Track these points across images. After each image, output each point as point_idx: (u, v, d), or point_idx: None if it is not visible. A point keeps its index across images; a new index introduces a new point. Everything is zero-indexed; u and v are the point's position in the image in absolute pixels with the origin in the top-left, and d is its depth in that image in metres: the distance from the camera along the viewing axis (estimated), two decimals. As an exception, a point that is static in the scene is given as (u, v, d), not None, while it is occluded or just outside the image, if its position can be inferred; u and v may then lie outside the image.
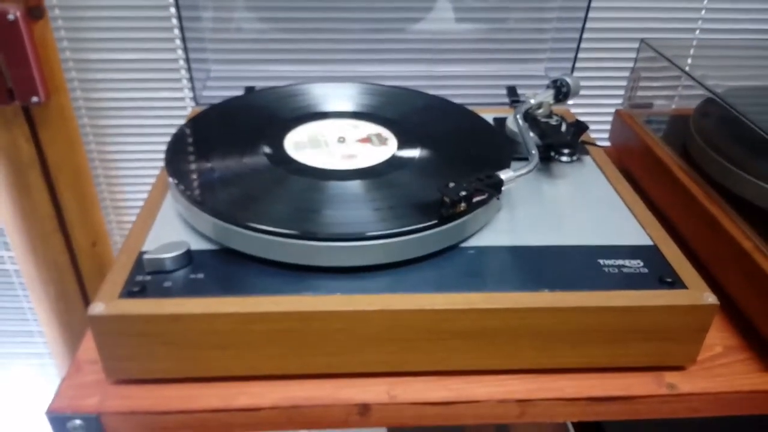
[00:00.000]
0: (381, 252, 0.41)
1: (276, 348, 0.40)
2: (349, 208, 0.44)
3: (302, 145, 0.51)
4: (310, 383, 0.41)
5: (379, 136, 0.53)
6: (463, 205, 0.41)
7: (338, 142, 0.51)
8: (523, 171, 0.45)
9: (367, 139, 0.52)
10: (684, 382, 0.43)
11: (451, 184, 0.42)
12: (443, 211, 0.41)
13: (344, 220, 0.42)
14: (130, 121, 0.79)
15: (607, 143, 0.70)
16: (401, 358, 0.41)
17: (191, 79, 0.63)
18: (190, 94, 0.76)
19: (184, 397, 0.41)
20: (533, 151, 0.47)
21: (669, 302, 0.40)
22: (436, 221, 0.41)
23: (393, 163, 0.49)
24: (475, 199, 0.42)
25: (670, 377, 0.43)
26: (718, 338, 0.47)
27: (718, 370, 0.44)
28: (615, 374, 0.43)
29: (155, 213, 0.47)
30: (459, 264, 0.43)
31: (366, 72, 0.73)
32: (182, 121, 0.56)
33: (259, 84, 0.68)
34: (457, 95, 0.71)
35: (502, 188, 0.44)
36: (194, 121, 0.54)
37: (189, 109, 0.78)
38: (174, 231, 0.45)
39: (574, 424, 0.58)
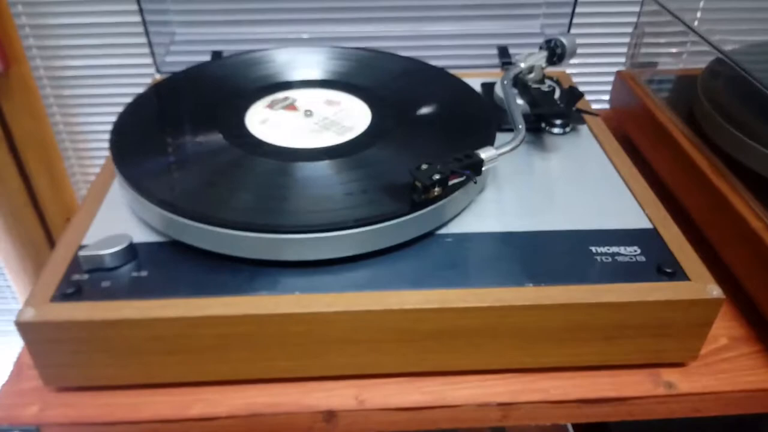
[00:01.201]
0: (343, 244, 0.36)
1: (230, 352, 0.36)
2: (309, 195, 0.39)
3: (265, 120, 0.46)
4: (271, 388, 0.38)
5: (350, 108, 0.48)
6: (437, 189, 0.37)
7: (305, 116, 0.46)
8: (507, 148, 0.40)
9: (336, 112, 0.47)
10: (683, 380, 0.39)
11: (424, 166, 0.37)
12: (415, 197, 0.37)
13: (303, 209, 0.38)
14: (96, 91, 0.74)
15: (607, 106, 0.65)
16: (369, 361, 0.37)
17: (150, 44, 0.57)
18: (157, 61, 0.70)
19: (132, 406, 0.37)
20: (520, 125, 0.42)
21: (668, 297, 0.36)
22: (406, 209, 0.37)
23: (364, 139, 0.45)
24: (451, 182, 0.37)
25: (668, 375, 0.39)
26: (724, 328, 0.42)
27: (722, 366, 0.40)
28: (606, 372, 0.39)
29: (100, 201, 0.42)
30: (434, 255, 0.38)
31: (346, 33, 0.67)
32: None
33: (228, 48, 0.62)
34: (445, 57, 0.65)
35: (483, 169, 0.39)
36: (144, 96, 0.49)
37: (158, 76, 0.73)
38: (121, 222, 0.41)
39: (574, 424, 0.54)
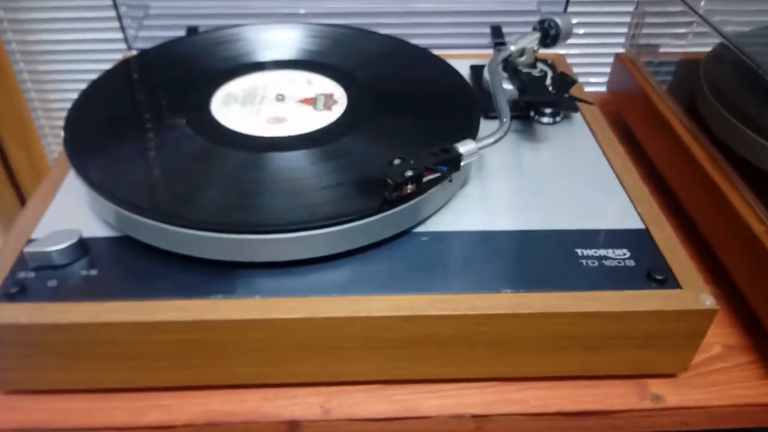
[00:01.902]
0: (306, 246, 0.34)
1: (185, 359, 0.34)
2: (270, 191, 0.36)
3: (232, 106, 0.43)
4: (232, 394, 0.36)
5: (324, 93, 0.45)
6: (410, 186, 0.34)
7: (276, 101, 0.43)
8: (488, 141, 0.37)
9: (310, 99, 0.44)
10: (672, 392, 0.36)
11: (396, 161, 0.34)
12: (386, 195, 0.34)
13: (264, 206, 0.35)
14: (72, 66, 0.71)
15: (605, 90, 0.62)
16: (335, 369, 0.35)
17: (119, 18, 0.53)
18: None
19: (85, 411, 0.35)
20: (504, 116, 0.39)
21: (657, 306, 0.33)
22: (376, 207, 0.34)
23: (336, 128, 0.41)
24: (426, 178, 0.35)
25: (656, 386, 0.37)
26: (718, 336, 0.40)
27: (715, 377, 0.37)
28: (589, 383, 0.36)
29: (56, 190, 0.40)
30: (408, 255, 0.36)
31: (328, 8, 0.63)
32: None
33: (209, 23, 0.59)
34: (433, 35, 0.62)
35: (462, 164, 0.36)
36: (104, 78, 0.46)
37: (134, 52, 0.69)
38: (75, 215, 0.38)
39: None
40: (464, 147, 0.36)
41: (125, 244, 0.36)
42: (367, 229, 0.34)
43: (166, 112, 0.42)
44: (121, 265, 0.35)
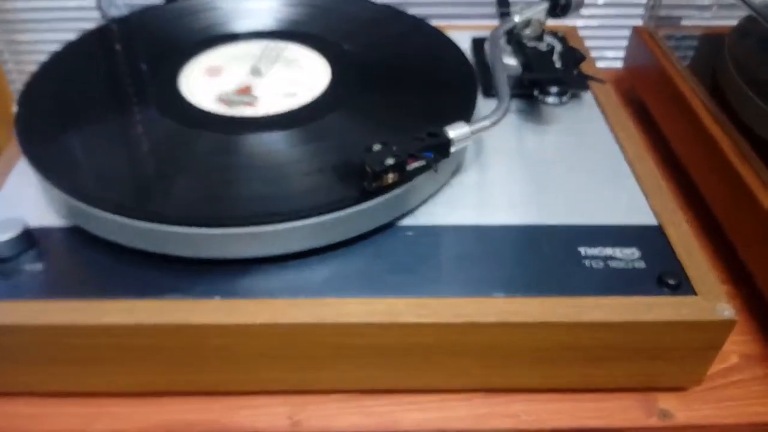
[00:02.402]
0: (271, 242, 0.30)
1: (139, 364, 0.30)
2: (232, 180, 0.32)
3: (202, 82, 0.39)
4: (191, 402, 0.32)
5: (307, 65, 0.41)
6: (391, 175, 0.30)
7: (252, 75, 0.39)
8: (484, 124, 0.33)
9: (290, 71, 0.40)
10: (681, 408, 0.32)
11: (377, 147, 0.30)
12: (366, 185, 0.30)
13: (226, 196, 0.31)
14: (50, 36, 0.67)
15: (621, 66, 0.57)
16: (305, 377, 0.31)
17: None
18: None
19: (32, 417, 0.32)
20: (503, 98, 0.35)
21: (668, 317, 0.29)
22: (353, 199, 0.30)
23: (315, 107, 0.37)
24: (410, 167, 0.31)
25: (664, 400, 0.33)
26: (736, 343, 0.36)
27: (730, 391, 0.33)
28: (590, 396, 0.33)
29: (7, 173, 0.36)
30: (389, 252, 0.32)
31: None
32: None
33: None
34: (433, 3, 0.57)
35: (452, 150, 0.32)
36: (65, 52, 0.42)
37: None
38: (26, 202, 0.34)
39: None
40: (455, 131, 0.31)
41: (76, 236, 0.32)
42: (341, 224, 0.31)
43: (129, 89, 0.38)
44: (70, 259, 0.31)
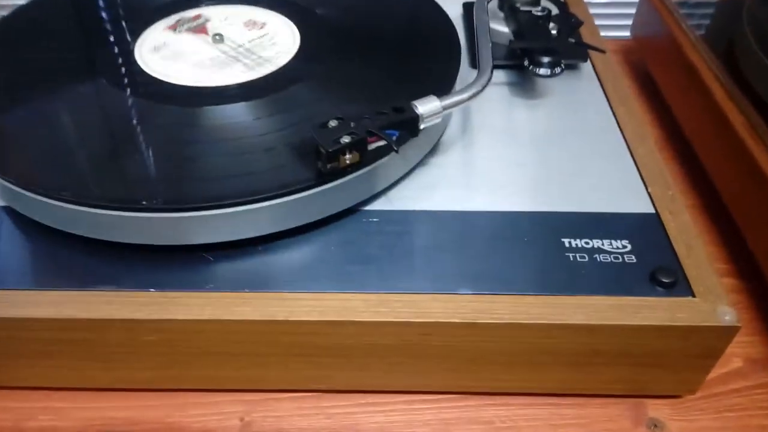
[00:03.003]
0: (216, 227, 0.27)
1: (72, 358, 0.28)
2: (175, 157, 0.29)
3: (161, 50, 0.36)
4: (135, 398, 0.30)
5: (275, 31, 0.37)
6: (348, 156, 0.27)
7: (214, 42, 0.36)
8: (460, 97, 0.29)
9: (256, 37, 0.37)
10: (674, 418, 0.29)
11: (332, 123, 0.27)
12: (320, 166, 0.27)
13: (167, 176, 0.28)
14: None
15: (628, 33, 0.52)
16: (256, 375, 0.28)
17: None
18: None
19: (-34, 412, 0.30)
20: (484, 69, 0.31)
21: (661, 321, 0.26)
22: (306, 182, 0.27)
23: (281, 76, 0.34)
24: (372, 146, 0.27)
25: (655, 409, 0.30)
26: (740, 345, 0.32)
27: (732, 399, 0.30)
28: (573, 400, 0.30)
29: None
30: (349, 242, 0.29)
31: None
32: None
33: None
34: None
35: (421, 127, 0.28)
36: (14, 16, 0.39)
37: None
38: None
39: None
40: (424, 106, 0.28)
41: (12, 217, 0.30)
42: (292, 210, 0.27)
43: (77, 58, 0.35)
44: (2, 245, 0.29)
